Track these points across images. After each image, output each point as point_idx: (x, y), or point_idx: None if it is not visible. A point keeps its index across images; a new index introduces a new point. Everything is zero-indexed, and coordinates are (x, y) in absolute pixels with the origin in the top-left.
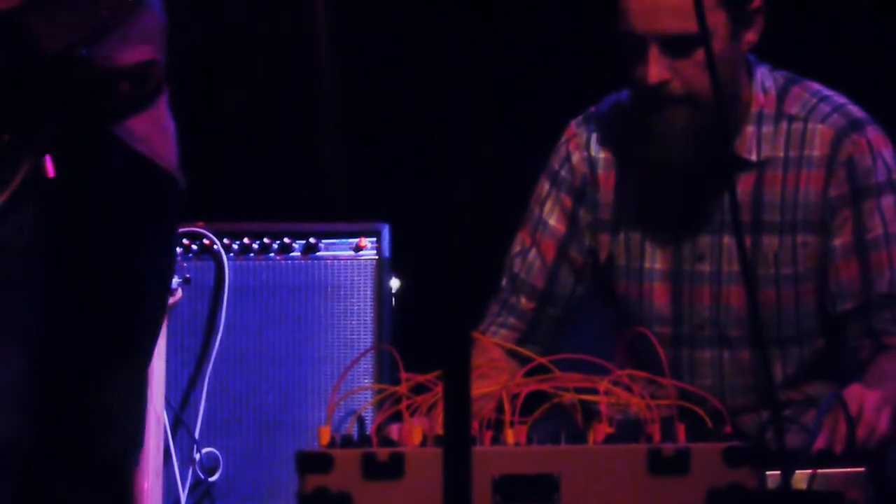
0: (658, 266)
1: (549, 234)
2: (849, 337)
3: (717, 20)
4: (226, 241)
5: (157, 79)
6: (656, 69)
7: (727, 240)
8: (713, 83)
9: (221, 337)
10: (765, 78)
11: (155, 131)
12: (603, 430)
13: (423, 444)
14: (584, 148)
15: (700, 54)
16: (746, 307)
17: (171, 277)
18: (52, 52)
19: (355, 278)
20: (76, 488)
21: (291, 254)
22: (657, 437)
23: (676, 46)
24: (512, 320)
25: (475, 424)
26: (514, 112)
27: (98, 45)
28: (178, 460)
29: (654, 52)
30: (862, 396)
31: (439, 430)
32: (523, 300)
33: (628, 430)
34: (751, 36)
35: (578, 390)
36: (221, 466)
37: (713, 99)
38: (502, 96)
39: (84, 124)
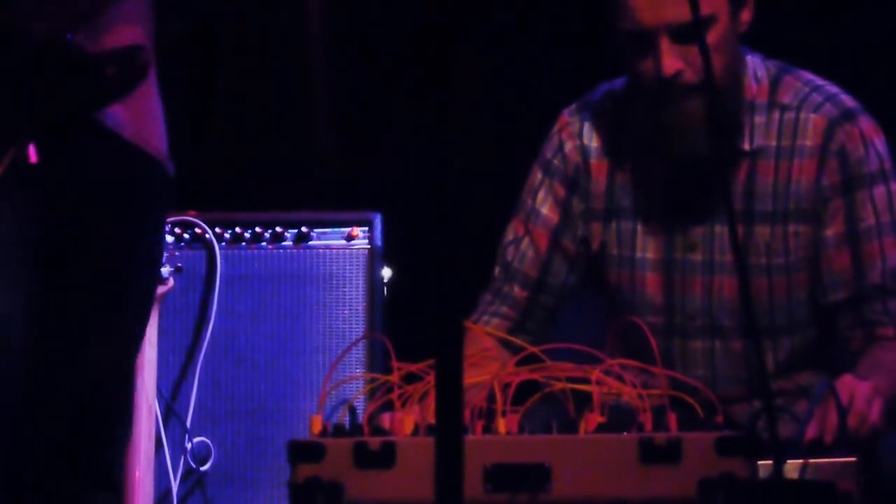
0: (650, 255)
1: (541, 223)
2: (840, 327)
3: (719, 3)
4: (218, 230)
5: (143, 62)
6: (670, 60)
7: (719, 229)
8: (706, 67)
9: (213, 326)
10: (757, 67)
11: (142, 118)
12: (594, 419)
13: (415, 433)
14: (576, 137)
15: (708, 39)
16: (738, 297)
17: (160, 264)
18: (38, 36)
19: (347, 268)
20: (64, 475)
21: (283, 243)
22: (649, 426)
23: (686, 34)
24: (504, 309)
25: (467, 413)
26: (506, 101)
27: (83, 29)
28: (169, 449)
29: (665, 43)
30: (853, 387)
31: (431, 420)
32: (516, 289)
33: (620, 419)
34: (746, 15)
35: (570, 380)
36: (213, 456)
37: (724, 81)
38: (494, 86)
39: (71, 109)
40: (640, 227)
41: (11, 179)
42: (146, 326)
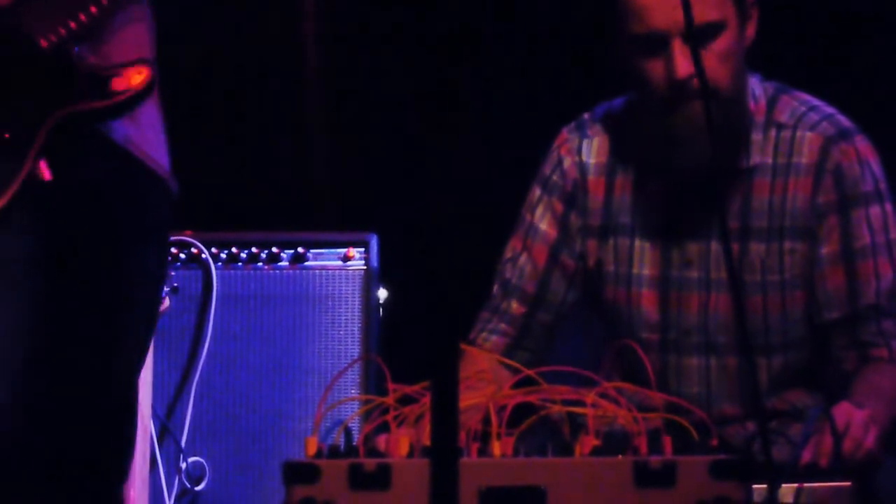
0: (646, 272)
1: (540, 238)
2: (834, 347)
3: (730, 12)
4: (214, 250)
5: (150, 75)
6: (684, 62)
7: (715, 246)
8: (698, 76)
9: (209, 346)
10: (755, 86)
11: (149, 135)
12: (590, 442)
13: (410, 455)
14: (575, 153)
15: (717, 45)
16: (733, 313)
17: (164, 280)
18: (46, 49)
19: (343, 288)
20: (58, 496)
21: (279, 263)
22: (644, 449)
23: (698, 37)
24: (503, 326)
25: (462, 436)
26: (503, 122)
27: (89, 43)
28: (164, 469)
29: (678, 45)
30: (850, 413)
31: (426, 441)
32: (514, 305)
33: (615, 442)
34: (750, 30)
35: (566, 402)
36: (208, 475)
37: (731, 90)
38: (492, 105)
39: (80, 122)
40: (636, 244)
41: (25, 197)
42: (150, 343)
